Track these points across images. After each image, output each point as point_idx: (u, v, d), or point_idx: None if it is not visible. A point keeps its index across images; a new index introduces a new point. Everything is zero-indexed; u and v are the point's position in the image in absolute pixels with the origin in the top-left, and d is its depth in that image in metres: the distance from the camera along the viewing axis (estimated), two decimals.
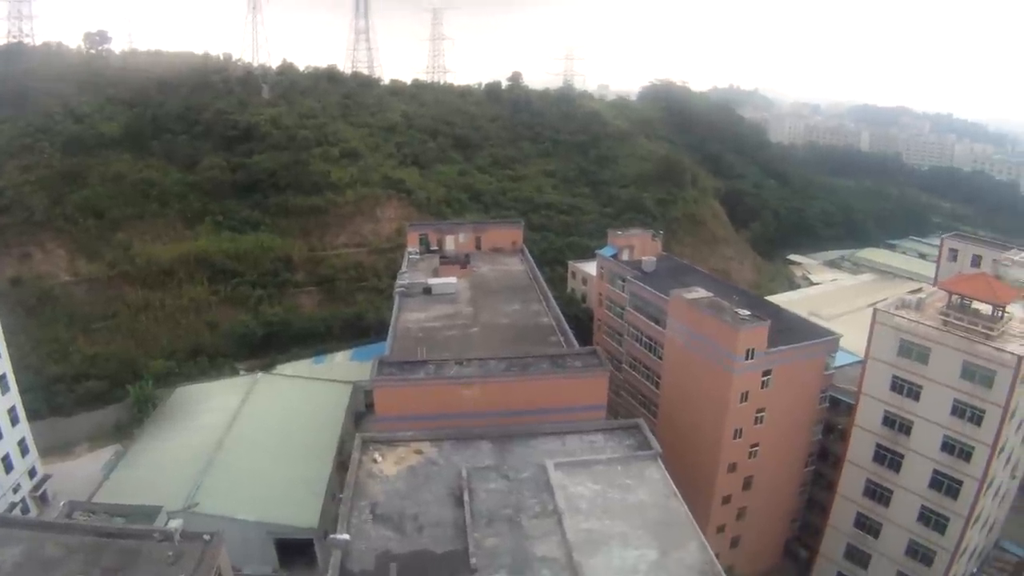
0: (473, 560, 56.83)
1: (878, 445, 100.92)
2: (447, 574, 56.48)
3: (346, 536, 58.60)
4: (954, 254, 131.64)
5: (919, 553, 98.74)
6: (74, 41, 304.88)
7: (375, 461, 70.83)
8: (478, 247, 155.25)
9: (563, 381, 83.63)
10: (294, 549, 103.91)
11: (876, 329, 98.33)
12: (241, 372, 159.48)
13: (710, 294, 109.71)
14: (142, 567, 60.02)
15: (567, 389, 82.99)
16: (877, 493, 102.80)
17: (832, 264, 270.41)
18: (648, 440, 73.92)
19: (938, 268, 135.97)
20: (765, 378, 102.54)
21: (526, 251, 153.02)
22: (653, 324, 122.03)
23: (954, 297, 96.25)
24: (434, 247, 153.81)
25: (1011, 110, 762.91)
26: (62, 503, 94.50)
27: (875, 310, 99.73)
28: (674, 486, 67.04)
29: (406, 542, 59.98)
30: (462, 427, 77.51)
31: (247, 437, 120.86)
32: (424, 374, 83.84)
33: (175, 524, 63.19)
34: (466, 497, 64.10)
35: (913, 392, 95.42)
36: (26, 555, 61.22)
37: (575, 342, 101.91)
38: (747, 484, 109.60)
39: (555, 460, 69.85)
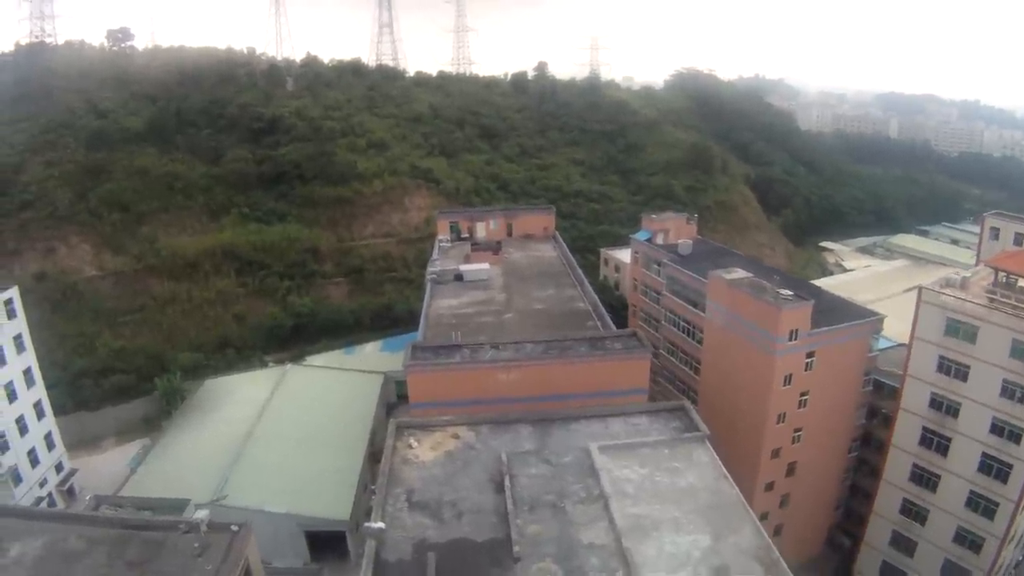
0: (516, 548, 53.99)
1: (924, 428, 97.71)
2: (489, 563, 53.61)
3: (381, 524, 55.99)
4: (996, 233, 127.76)
5: (967, 540, 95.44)
6: (97, 39, 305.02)
7: (410, 447, 68.04)
8: (509, 234, 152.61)
9: (603, 364, 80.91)
10: (326, 542, 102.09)
11: (922, 308, 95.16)
12: (270, 364, 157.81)
13: (750, 274, 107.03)
14: (167, 559, 57.49)
15: (608, 372, 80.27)
16: (924, 478, 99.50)
17: (864, 250, 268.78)
18: (695, 422, 70.65)
19: (980, 247, 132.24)
20: (808, 360, 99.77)
21: (559, 237, 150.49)
22: (691, 308, 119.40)
23: (1000, 274, 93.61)
24: (465, 235, 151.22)
25: None
26: (88, 497, 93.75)
27: (921, 288, 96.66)
28: (724, 469, 64.17)
29: (444, 530, 57.18)
30: (500, 411, 74.62)
31: (277, 429, 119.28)
32: (459, 358, 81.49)
33: (201, 515, 60.61)
34: (507, 482, 61.12)
35: (961, 373, 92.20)
36: (48, 548, 58.93)
37: (613, 326, 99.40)
38: (790, 470, 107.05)
39: (599, 443, 66.78)
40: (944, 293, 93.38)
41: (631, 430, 71.20)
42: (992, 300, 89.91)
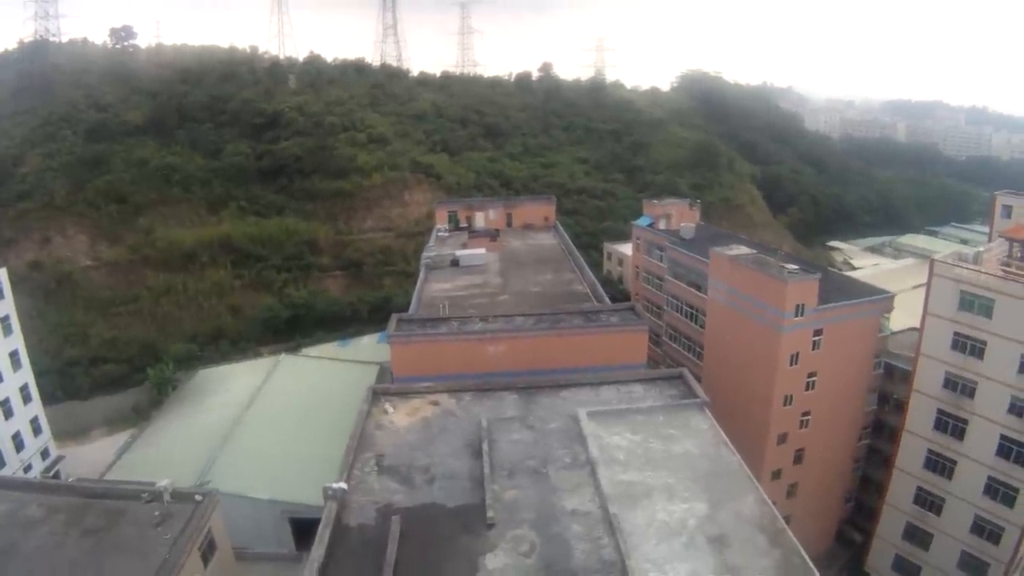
0: (490, 514, 50.05)
1: (939, 411, 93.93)
2: (459, 529, 49.73)
3: (343, 485, 52.68)
4: (1008, 211, 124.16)
5: (985, 530, 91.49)
6: (100, 38, 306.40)
7: (385, 412, 64.21)
8: (509, 224, 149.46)
9: (599, 337, 76.98)
10: (313, 530, 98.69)
11: (934, 282, 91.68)
12: (264, 355, 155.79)
13: (753, 251, 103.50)
14: (125, 528, 55.82)
15: (603, 346, 76.24)
16: (939, 465, 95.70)
17: (873, 250, 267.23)
18: (693, 389, 66.60)
19: (992, 225, 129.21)
20: (816, 338, 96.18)
21: (559, 227, 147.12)
22: (694, 291, 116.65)
23: (1015, 246, 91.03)
24: (463, 224, 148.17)
25: None
26: (70, 480, 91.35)
27: (932, 261, 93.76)
28: (724, 435, 60.06)
29: (414, 495, 53.47)
30: (484, 379, 70.62)
31: (266, 417, 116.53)
32: (445, 330, 77.96)
33: (164, 483, 57.84)
34: (485, 447, 57.07)
35: (976, 350, 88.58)
36: (6, 515, 57.46)
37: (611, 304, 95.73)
38: (798, 457, 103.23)
39: (588, 409, 62.82)
40: (958, 265, 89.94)
41: (624, 397, 66.96)
42: (1008, 272, 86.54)
